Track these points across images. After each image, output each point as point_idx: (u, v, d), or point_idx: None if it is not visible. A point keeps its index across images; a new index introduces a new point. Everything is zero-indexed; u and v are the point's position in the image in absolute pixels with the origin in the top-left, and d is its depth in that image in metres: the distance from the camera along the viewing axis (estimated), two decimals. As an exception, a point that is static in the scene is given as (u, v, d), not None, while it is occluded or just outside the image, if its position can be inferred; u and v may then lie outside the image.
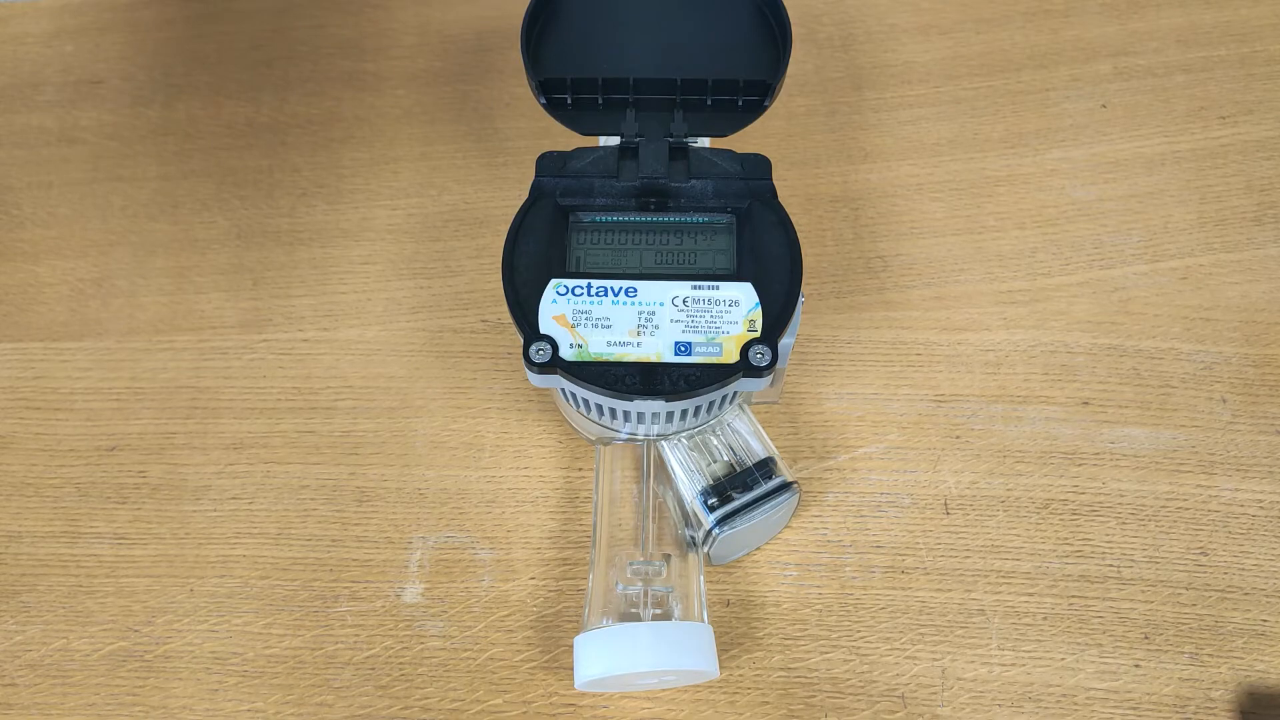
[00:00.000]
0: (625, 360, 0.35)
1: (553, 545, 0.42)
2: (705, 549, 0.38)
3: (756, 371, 0.35)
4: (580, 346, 0.35)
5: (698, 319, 0.36)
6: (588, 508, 0.43)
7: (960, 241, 0.48)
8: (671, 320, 0.36)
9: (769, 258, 0.37)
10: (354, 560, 0.42)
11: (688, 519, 0.39)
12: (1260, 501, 0.42)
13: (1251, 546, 0.41)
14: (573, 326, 0.36)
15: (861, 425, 0.44)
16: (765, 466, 0.39)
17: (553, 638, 0.40)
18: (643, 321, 0.36)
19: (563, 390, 0.37)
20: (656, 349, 0.35)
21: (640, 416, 0.37)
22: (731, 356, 0.35)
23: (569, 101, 0.39)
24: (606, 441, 0.40)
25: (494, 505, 0.43)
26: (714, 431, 0.40)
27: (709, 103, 0.39)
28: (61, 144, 0.53)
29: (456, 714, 0.39)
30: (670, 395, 0.35)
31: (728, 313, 0.36)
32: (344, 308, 0.48)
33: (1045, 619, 0.40)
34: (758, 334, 0.35)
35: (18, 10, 0.57)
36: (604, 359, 0.35)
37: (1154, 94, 0.52)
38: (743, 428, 0.40)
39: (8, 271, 0.49)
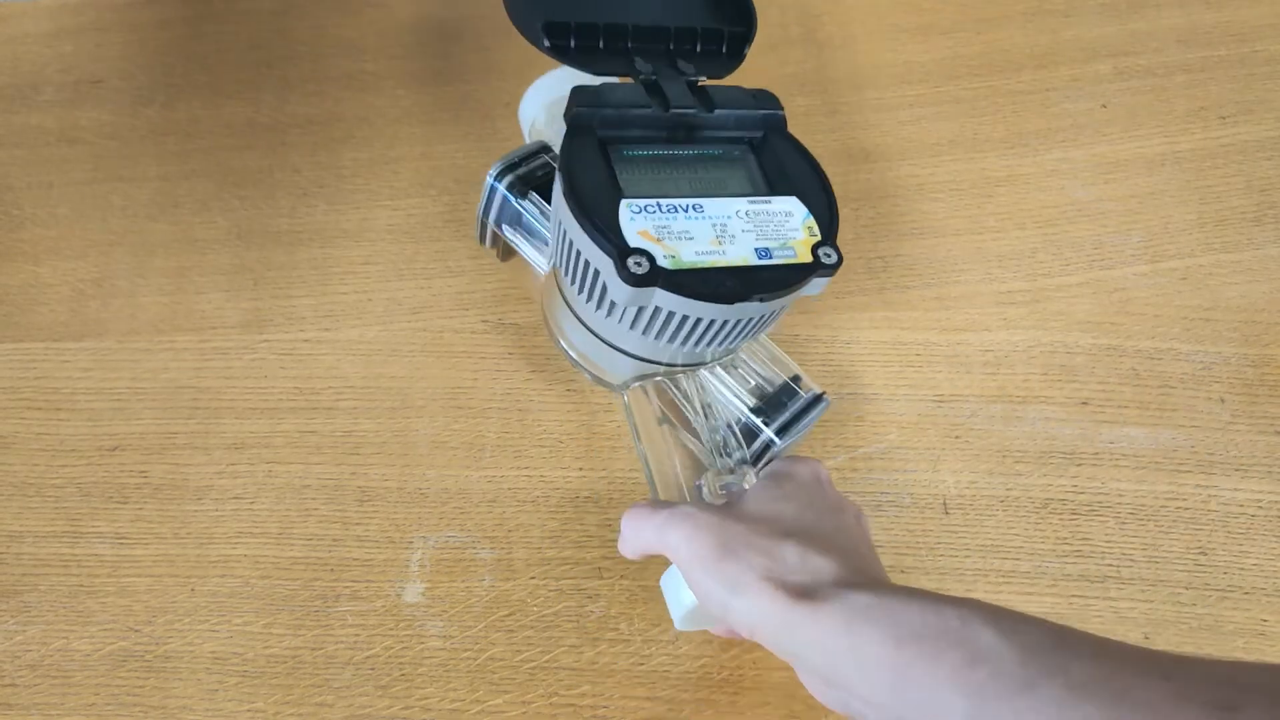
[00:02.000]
0: (719, 266, 0.35)
1: (553, 545, 0.42)
2: (757, 469, 0.39)
3: (828, 270, 0.36)
4: (674, 257, 0.35)
5: (764, 228, 0.37)
6: (589, 507, 0.43)
7: (960, 241, 0.48)
8: (743, 230, 0.36)
9: (798, 176, 0.38)
10: (355, 560, 0.42)
11: (723, 450, 0.40)
12: (1260, 501, 0.42)
13: (1251, 546, 0.41)
14: (659, 240, 0.35)
15: (861, 425, 0.44)
16: (796, 382, 0.41)
17: (553, 638, 0.40)
18: (718, 233, 0.36)
19: (620, 316, 0.37)
20: (741, 254, 0.36)
21: (724, 325, 0.36)
22: (806, 257, 0.36)
23: (572, 45, 0.40)
24: (627, 386, 0.41)
25: (494, 505, 0.43)
26: (739, 360, 0.41)
27: (698, 49, 0.41)
28: (61, 144, 0.53)
29: (456, 714, 0.39)
30: (766, 295, 0.35)
31: (787, 221, 0.37)
32: (344, 308, 0.48)
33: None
34: (818, 238, 0.37)
35: (18, 10, 0.57)
36: (699, 265, 0.35)
37: (1154, 94, 0.52)
38: (762, 351, 0.42)
39: (8, 271, 0.49)
